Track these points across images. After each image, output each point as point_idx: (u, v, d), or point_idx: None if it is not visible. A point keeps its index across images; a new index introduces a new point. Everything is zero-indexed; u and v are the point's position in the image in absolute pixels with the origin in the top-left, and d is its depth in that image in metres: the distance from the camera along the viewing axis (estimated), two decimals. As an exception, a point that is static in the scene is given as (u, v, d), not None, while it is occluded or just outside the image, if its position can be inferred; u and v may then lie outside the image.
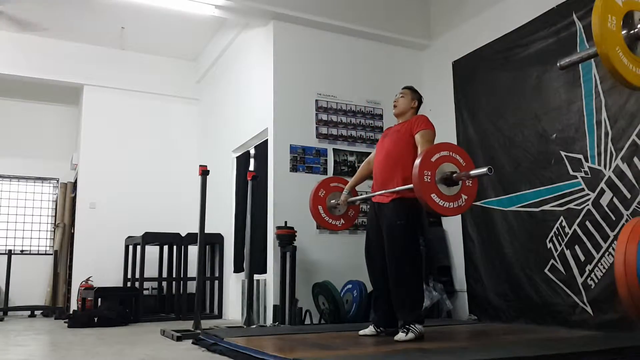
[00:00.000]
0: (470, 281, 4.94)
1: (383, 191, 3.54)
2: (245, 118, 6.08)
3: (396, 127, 3.72)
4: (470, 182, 3.15)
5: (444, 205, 3.04)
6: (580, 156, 4.04)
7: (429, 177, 2.99)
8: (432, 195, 3.00)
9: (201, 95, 7.75)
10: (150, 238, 6.38)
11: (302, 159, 5.30)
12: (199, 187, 4.66)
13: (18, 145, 7.73)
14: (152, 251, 6.59)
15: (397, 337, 3.29)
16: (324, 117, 5.47)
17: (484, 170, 2.98)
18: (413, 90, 3.81)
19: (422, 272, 3.71)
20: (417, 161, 3.03)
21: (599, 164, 3.92)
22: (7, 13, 6.29)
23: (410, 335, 3.26)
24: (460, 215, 5.04)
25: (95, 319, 5.26)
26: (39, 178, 7.97)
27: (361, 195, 4.19)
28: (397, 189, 3.42)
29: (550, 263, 4.21)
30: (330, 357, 2.86)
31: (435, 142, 3.58)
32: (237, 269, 6.14)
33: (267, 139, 5.45)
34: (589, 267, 3.92)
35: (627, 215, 3.69)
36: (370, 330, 3.61)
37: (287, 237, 4.84)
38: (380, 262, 3.57)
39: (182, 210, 7.07)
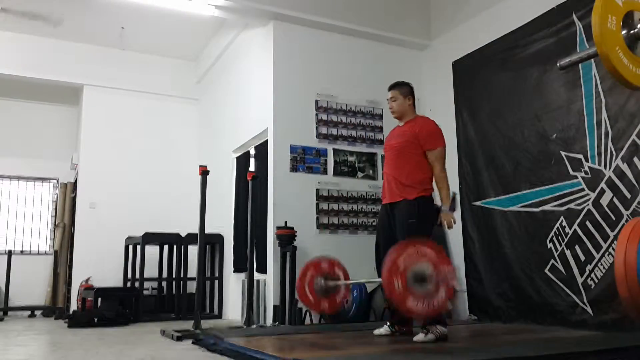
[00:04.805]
0: (470, 281, 4.94)
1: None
2: (245, 118, 6.08)
3: (400, 130, 3.67)
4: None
5: (424, 307, 2.79)
6: (580, 156, 4.04)
7: (400, 285, 2.76)
8: (408, 303, 2.76)
9: (201, 95, 7.75)
10: (150, 238, 6.38)
11: (302, 159, 5.30)
12: (199, 187, 4.66)
13: (18, 145, 7.72)
14: (152, 251, 6.58)
15: (415, 338, 3.23)
16: (324, 117, 5.46)
17: (454, 283, 2.86)
18: (400, 87, 3.70)
19: None
20: (385, 270, 2.81)
21: (599, 164, 3.92)
22: (12, 10, 6.24)
23: (430, 336, 3.19)
24: (460, 215, 5.05)
25: (95, 319, 5.26)
26: (39, 178, 7.96)
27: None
28: None
29: (550, 263, 4.21)
30: (330, 357, 2.86)
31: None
32: (237, 269, 6.14)
33: (267, 139, 5.45)
34: (589, 267, 3.92)
35: (627, 215, 3.69)
36: (385, 329, 3.58)
37: (287, 237, 4.84)
38: None
39: (182, 210, 7.06)
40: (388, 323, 3.60)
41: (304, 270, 3.76)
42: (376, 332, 3.60)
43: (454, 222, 3.40)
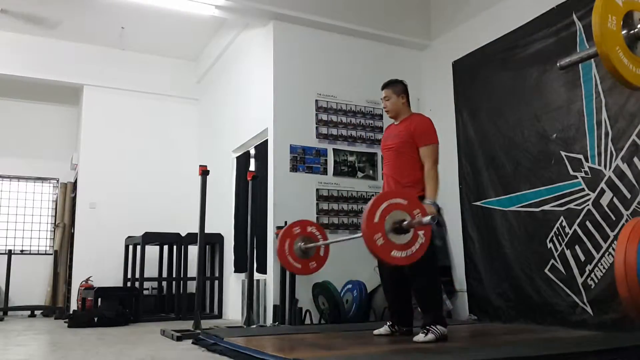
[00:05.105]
0: (470, 281, 4.94)
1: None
2: (245, 118, 6.08)
3: (396, 129, 3.63)
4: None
5: (406, 255, 2.86)
6: (581, 156, 4.04)
7: (381, 238, 2.79)
8: (392, 253, 2.82)
9: (201, 95, 7.75)
10: (150, 238, 6.38)
11: (302, 159, 5.30)
12: (199, 187, 4.66)
13: (18, 145, 7.72)
14: (152, 251, 6.59)
15: (415, 338, 3.22)
16: (324, 117, 5.46)
17: (427, 219, 2.86)
18: (393, 85, 3.64)
19: (437, 271, 3.58)
20: (363, 226, 2.82)
21: (599, 164, 3.92)
22: (12, 11, 6.26)
23: (430, 336, 3.18)
24: (460, 215, 5.05)
25: (95, 319, 5.26)
26: (39, 178, 7.96)
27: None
28: None
29: (550, 263, 4.21)
30: (330, 357, 2.86)
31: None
32: (237, 269, 6.14)
33: (267, 139, 5.45)
34: (589, 267, 3.92)
35: (627, 215, 3.69)
36: (385, 329, 3.57)
37: (287, 237, 4.84)
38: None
39: (182, 210, 7.07)
40: (388, 323, 3.59)
41: (281, 241, 3.83)
42: (376, 332, 3.60)
43: (435, 219, 3.34)
